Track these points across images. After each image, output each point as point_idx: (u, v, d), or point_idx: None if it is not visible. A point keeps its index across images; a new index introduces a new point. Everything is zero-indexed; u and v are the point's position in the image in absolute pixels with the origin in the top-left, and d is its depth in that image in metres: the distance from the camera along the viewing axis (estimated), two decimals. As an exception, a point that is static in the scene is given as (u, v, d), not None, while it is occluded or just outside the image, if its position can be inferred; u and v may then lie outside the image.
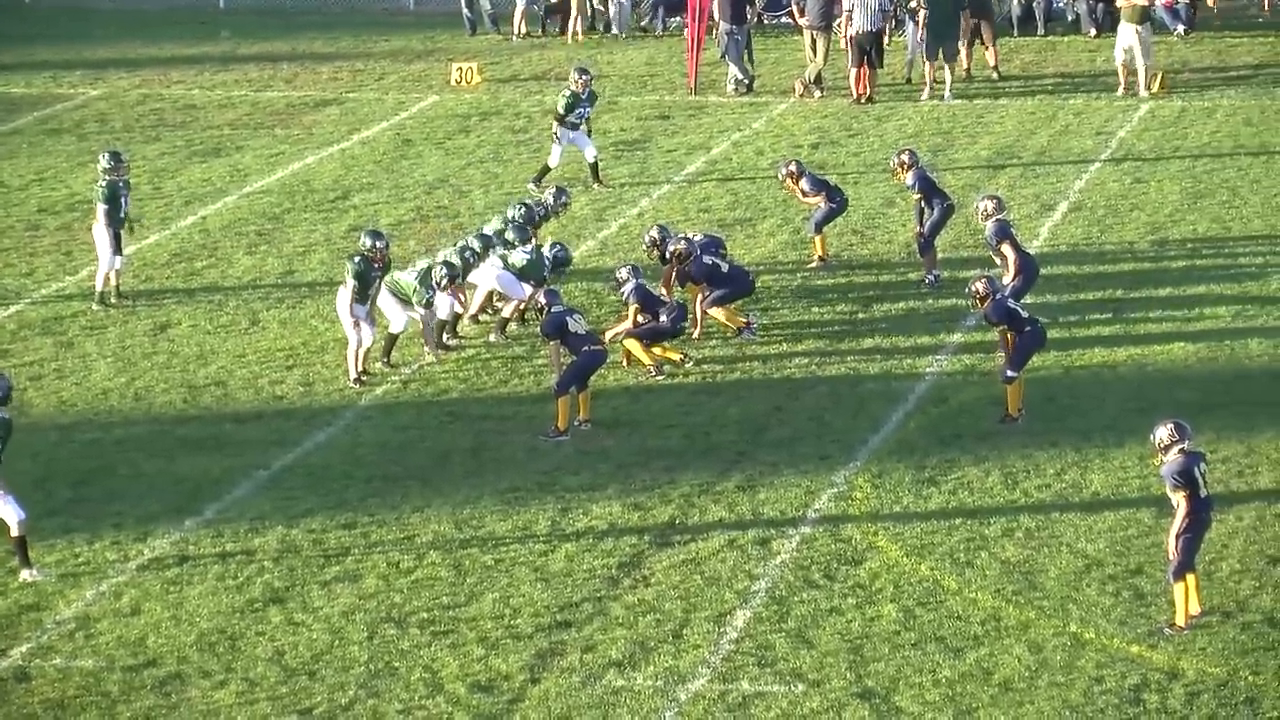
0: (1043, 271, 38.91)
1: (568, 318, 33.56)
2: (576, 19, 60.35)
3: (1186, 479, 26.98)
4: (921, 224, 39.06)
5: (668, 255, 37.18)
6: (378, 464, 32.01)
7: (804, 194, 40.43)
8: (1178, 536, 27.00)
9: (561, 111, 44.80)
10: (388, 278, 35.53)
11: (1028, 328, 33.15)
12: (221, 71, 56.81)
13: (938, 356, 35.98)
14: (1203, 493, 27.10)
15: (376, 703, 25.77)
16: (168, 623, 27.71)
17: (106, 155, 39.64)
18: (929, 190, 39.03)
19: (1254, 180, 45.33)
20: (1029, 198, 43.71)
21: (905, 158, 39.49)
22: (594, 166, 44.43)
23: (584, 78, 45.44)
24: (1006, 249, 35.91)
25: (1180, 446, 27.16)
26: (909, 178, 39.09)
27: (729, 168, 46.70)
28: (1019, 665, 26.40)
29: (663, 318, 35.03)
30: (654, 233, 37.72)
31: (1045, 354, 34.26)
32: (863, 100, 52.22)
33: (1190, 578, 27.08)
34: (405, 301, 35.50)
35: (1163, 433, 27.38)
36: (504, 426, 33.63)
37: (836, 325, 37.72)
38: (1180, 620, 27.02)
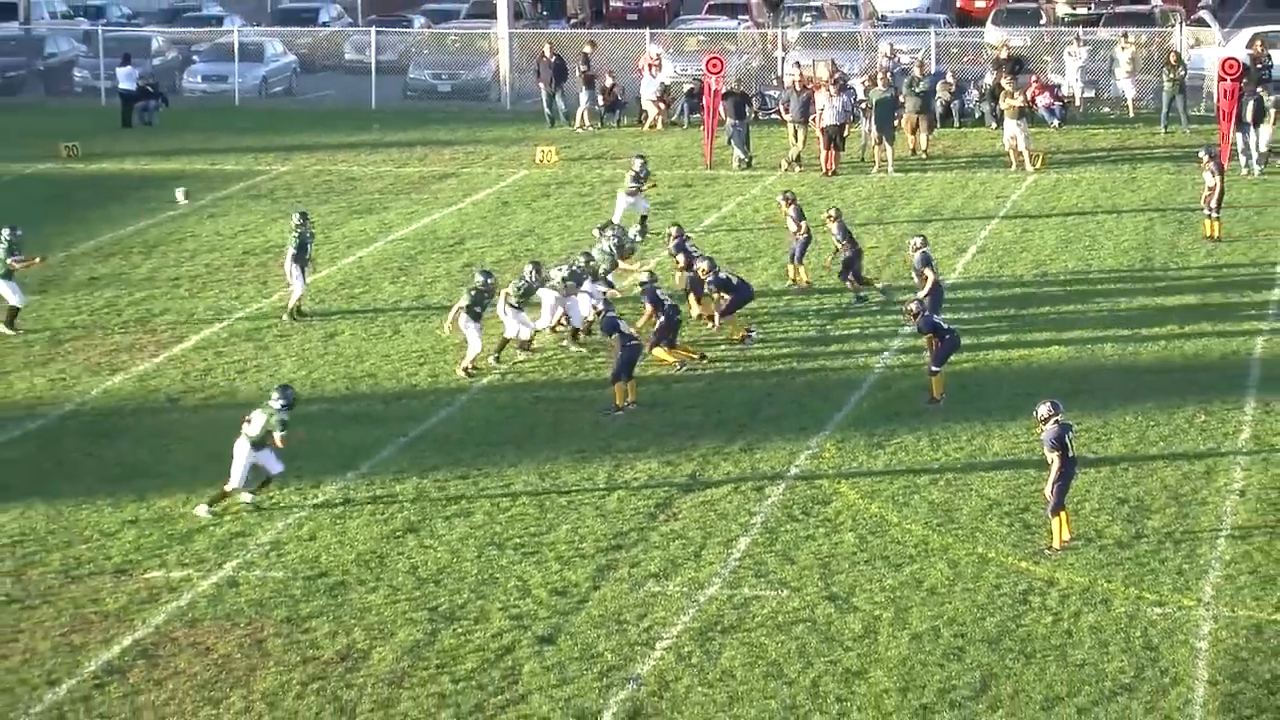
0: (957, 296, 38.88)
1: (619, 321, 33.57)
2: (645, 115, 60.37)
3: (1059, 443, 27.00)
4: (836, 258, 39.54)
5: (695, 272, 37.33)
6: (484, 433, 32.00)
7: (792, 219, 40.47)
8: (1053, 485, 26.98)
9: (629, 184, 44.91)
10: (504, 291, 35.69)
11: (947, 335, 33.15)
12: (373, 153, 56.84)
13: (883, 356, 35.90)
14: (1071, 454, 27.12)
15: (484, 603, 25.75)
16: (335, 545, 27.71)
17: (297, 214, 39.67)
18: (846, 236, 39.28)
19: (1108, 231, 45.22)
20: (948, 243, 43.62)
21: (832, 213, 39.76)
22: (644, 219, 44.20)
23: (640, 161, 45.10)
24: (927, 272, 36.07)
25: (1055, 419, 27.18)
26: (834, 227, 39.29)
27: (734, 221, 46.66)
28: (941, 576, 26.34)
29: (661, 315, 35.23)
30: (672, 229, 39.18)
31: (960, 354, 34.17)
32: (830, 174, 52.15)
33: (1063, 514, 27.06)
34: (517, 310, 35.59)
35: (1043, 409, 27.44)
36: (574, 406, 33.58)
37: (811, 333, 37.65)
38: (1056, 544, 27.00)
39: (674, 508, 28.99)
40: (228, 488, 28.91)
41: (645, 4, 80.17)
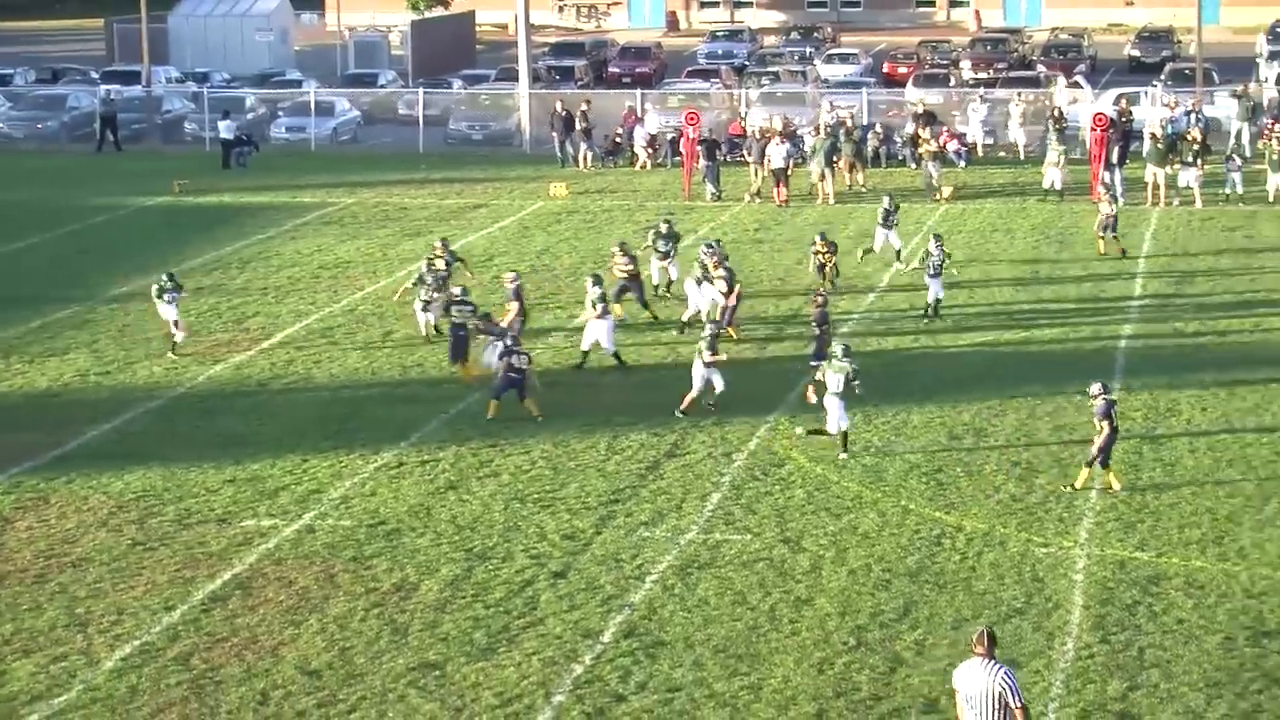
0: (885, 301, 38.72)
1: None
2: (636, 158, 60.21)
3: (1107, 414, 27.05)
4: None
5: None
6: (509, 410, 31.79)
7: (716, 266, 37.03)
8: (1101, 446, 27.15)
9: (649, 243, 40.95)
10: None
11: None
12: (420, 188, 56.74)
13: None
14: (1115, 423, 27.35)
15: (509, 545, 25.75)
16: (390, 500, 27.69)
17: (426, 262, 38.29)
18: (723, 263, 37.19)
19: (1004, 249, 45.19)
20: (878, 260, 43.50)
21: (715, 246, 37.91)
22: (670, 284, 40.43)
23: (667, 224, 40.79)
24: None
25: (1103, 396, 27.16)
26: (717, 261, 37.02)
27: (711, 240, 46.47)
28: (872, 524, 26.34)
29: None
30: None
31: (886, 346, 34.11)
32: (783, 204, 52.05)
33: (1110, 469, 27.40)
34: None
35: (1095, 388, 27.44)
36: (582, 390, 33.57)
37: (768, 334, 37.62)
38: (1115, 485, 27.37)
39: (660, 470, 28.96)
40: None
41: (637, 69, 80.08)
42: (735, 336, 36.21)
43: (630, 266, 37.96)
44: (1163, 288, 40.90)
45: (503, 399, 31.59)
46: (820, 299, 34.30)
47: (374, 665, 21.93)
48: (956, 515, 26.63)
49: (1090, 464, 27.34)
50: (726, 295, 36.51)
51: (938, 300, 37.94)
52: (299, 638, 22.70)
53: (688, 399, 31.50)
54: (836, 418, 29.26)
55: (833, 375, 29.19)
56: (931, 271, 37.80)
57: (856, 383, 29.30)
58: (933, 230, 42.69)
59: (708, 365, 31.24)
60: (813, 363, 32.76)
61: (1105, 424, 27.12)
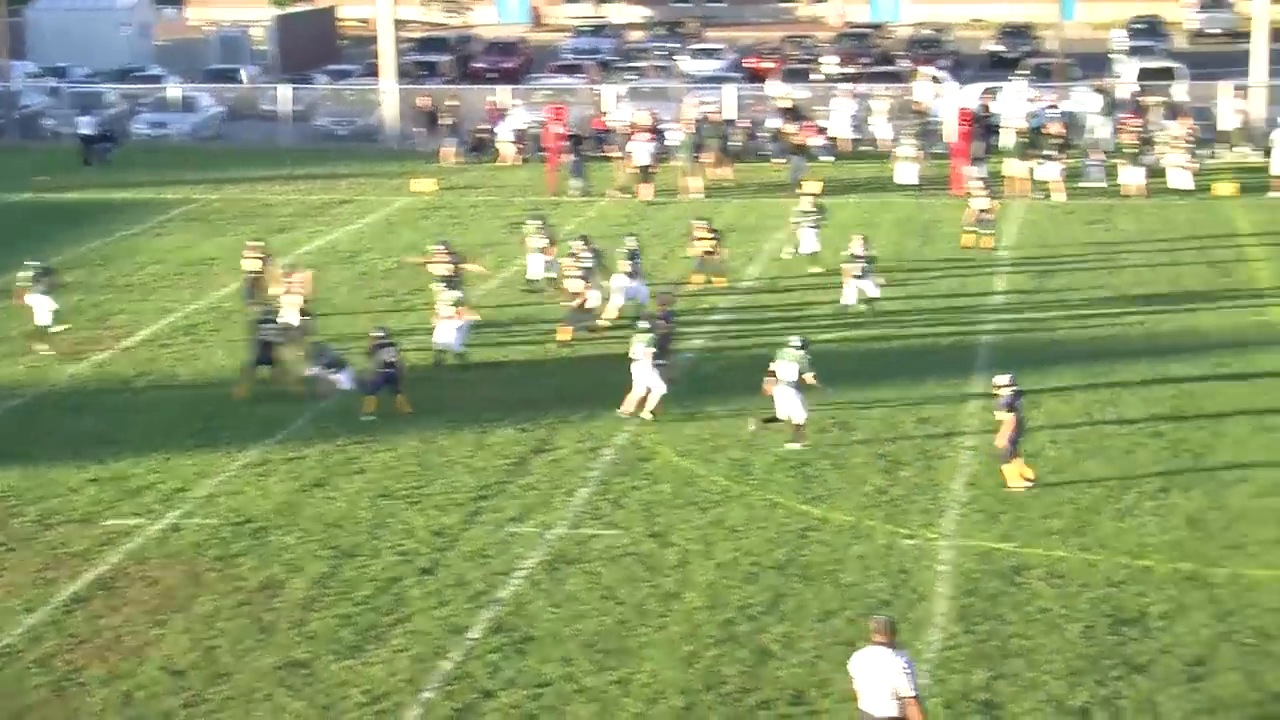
0: (749, 297, 38.80)
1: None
2: (500, 154, 60.04)
3: (1012, 406, 27.05)
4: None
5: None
6: (381, 411, 31.75)
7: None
8: (1007, 438, 27.14)
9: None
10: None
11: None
12: (284, 184, 56.28)
13: (694, 343, 35.90)
14: (1020, 415, 27.38)
15: (376, 543, 25.67)
16: (257, 498, 27.52)
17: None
18: (596, 261, 37.03)
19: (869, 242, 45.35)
20: (741, 254, 43.59)
21: (582, 242, 37.37)
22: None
23: (633, 240, 39.00)
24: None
25: (1010, 387, 27.21)
26: (584, 248, 37.01)
27: (575, 235, 46.39)
28: (740, 518, 26.45)
29: None
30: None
31: (750, 343, 34.17)
32: (646, 199, 52.10)
33: (1018, 460, 27.36)
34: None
35: (1001, 379, 27.40)
36: (448, 386, 33.50)
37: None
38: (1020, 481, 27.28)
39: (529, 466, 28.94)
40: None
41: (502, 65, 79.93)
42: (569, 339, 35.91)
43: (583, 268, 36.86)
44: (1025, 282, 41.32)
45: (377, 395, 31.52)
46: (667, 299, 34.10)
47: (240, 664, 21.80)
48: (823, 508, 26.79)
49: (1007, 460, 27.45)
50: (573, 296, 36.38)
51: (872, 298, 37.90)
52: (164, 638, 22.51)
53: (632, 399, 31.24)
54: (789, 407, 29.31)
55: (786, 365, 29.27)
56: (858, 273, 37.87)
57: (812, 374, 29.36)
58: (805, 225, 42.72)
59: (656, 366, 30.98)
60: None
61: (1009, 415, 27.22)
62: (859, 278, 37.83)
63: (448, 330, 34.44)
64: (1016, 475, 27.27)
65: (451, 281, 36.12)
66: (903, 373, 33.83)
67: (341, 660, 21.92)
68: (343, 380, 32.34)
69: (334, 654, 22.07)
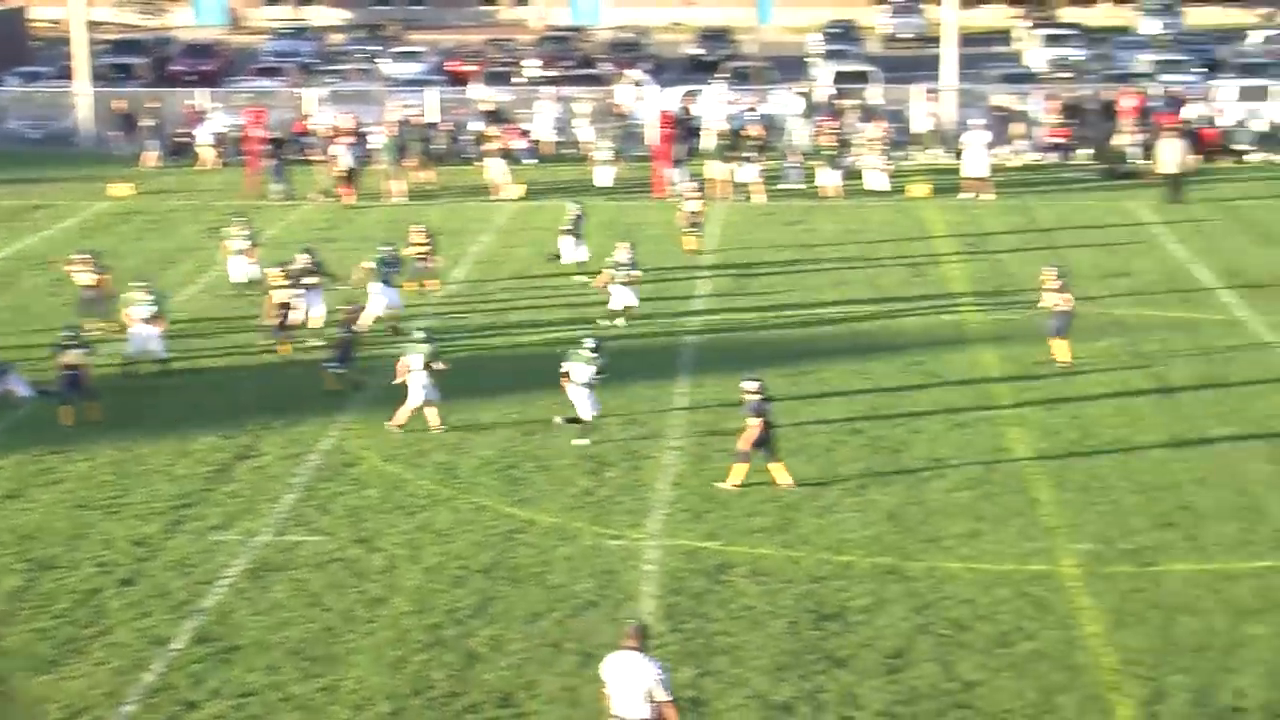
0: (454, 300, 38.63)
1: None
2: (198, 157, 59.11)
3: (759, 412, 27.08)
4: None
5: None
6: (77, 419, 31.10)
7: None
8: (747, 441, 27.22)
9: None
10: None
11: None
12: (-24, 189, 54.95)
13: (389, 351, 35.66)
14: (769, 419, 27.42)
15: (74, 554, 25.22)
16: (-51, 511, 26.77)
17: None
18: (319, 270, 36.89)
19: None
20: (448, 256, 43.37)
21: (308, 254, 37.04)
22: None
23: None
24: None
25: (757, 393, 27.26)
26: (305, 257, 36.74)
27: (280, 239, 45.92)
28: (447, 522, 26.44)
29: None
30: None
31: (457, 344, 34.09)
32: (349, 204, 51.72)
33: (746, 465, 27.44)
34: None
35: (750, 384, 27.38)
36: (146, 395, 32.92)
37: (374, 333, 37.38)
38: (733, 485, 27.37)
39: (232, 473, 28.59)
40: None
41: (201, 67, 78.76)
42: (289, 353, 35.48)
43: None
44: (728, 284, 41.79)
45: (71, 403, 30.90)
46: (352, 309, 33.82)
47: (-67, 683, 21.21)
48: (530, 510, 26.86)
49: (741, 460, 27.59)
50: (279, 308, 35.71)
51: (628, 306, 37.75)
52: None
53: (404, 411, 30.77)
54: (584, 407, 29.43)
55: (579, 367, 29.29)
56: (621, 279, 37.69)
57: (603, 375, 29.58)
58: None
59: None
60: (334, 367, 32.57)
61: (757, 420, 27.40)
62: (622, 284, 37.78)
63: (142, 337, 33.82)
64: (741, 477, 27.56)
65: (91, 290, 36.28)
66: (608, 374, 33.96)
67: (39, 675, 21.43)
68: (13, 385, 31.61)
69: (31, 669, 21.57)
